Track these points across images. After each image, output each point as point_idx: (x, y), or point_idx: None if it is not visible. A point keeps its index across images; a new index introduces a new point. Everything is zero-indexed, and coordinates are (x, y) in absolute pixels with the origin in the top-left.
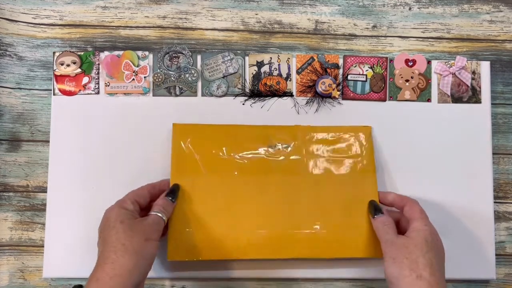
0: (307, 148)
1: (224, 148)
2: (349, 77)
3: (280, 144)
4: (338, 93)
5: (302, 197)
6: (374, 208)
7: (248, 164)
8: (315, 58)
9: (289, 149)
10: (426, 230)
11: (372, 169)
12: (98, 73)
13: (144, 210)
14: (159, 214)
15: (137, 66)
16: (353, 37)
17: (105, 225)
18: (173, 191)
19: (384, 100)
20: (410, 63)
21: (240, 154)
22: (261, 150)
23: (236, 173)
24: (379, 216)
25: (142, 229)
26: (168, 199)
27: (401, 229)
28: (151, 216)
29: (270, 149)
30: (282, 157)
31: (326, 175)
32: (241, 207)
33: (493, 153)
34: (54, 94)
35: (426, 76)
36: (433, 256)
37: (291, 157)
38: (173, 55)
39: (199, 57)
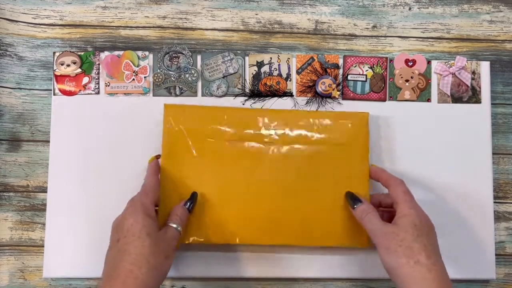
0: (300, 134)
1: (216, 132)
2: (349, 77)
3: (273, 130)
4: (338, 93)
5: (293, 184)
6: (352, 199)
7: (241, 149)
8: (315, 58)
9: (282, 134)
10: (412, 214)
11: (366, 157)
12: (98, 73)
13: None
14: (178, 228)
15: (137, 66)
16: (353, 37)
17: (129, 231)
18: (192, 201)
19: (384, 100)
20: (410, 63)
21: (232, 139)
22: (254, 135)
23: (228, 158)
24: (358, 206)
25: (164, 245)
26: (185, 209)
27: (390, 212)
28: (170, 229)
29: (263, 134)
30: (274, 143)
31: (319, 162)
32: (232, 192)
33: (493, 153)
34: (54, 94)
35: (426, 76)
36: (425, 238)
37: (284, 143)
38: (173, 55)
39: (199, 57)
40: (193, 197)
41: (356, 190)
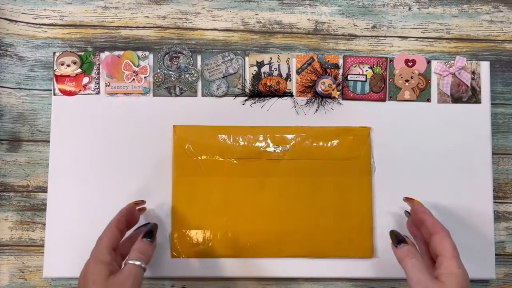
0: (305, 149)
1: (223, 150)
2: (349, 77)
3: (279, 146)
4: (338, 93)
5: (299, 198)
6: (396, 237)
7: (247, 165)
8: (315, 58)
9: (287, 151)
10: (460, 275)
11: (369, 171)
12: (98, 73)
13: (123, 249)
14: (137, 263)
15: (137, 66)
16: (353, 37)
17: (80, 283)
18: (151, 232)
19: (384, 100)
20: (410, 63)
21: (239, 157)
22: (260, 152)
23: (236, 175)
24: (402, 246)
25: (114, 287)
26: (146, 241)
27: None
28: (126, 267)
29: (268, 151)
30: (280, 159)
31: (323, 176)
32: (240, 208)
33: (493, 153)
34: (54, 94)
35: (426, 76)
36: None
37: (289, 159)
38: (173, 55)
39: (199, 57)
40: (152, 227)
41: (360, 203)
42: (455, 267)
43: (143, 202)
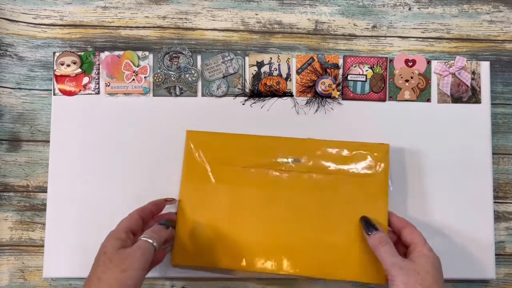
0: (317, 163)
1: (234, 159)
2: (349, 77)
3: (290, 158)
4: (338, 93)
5: (308, 214)
6: (367, 224)
7: (257, 176)
8: (315, 58)
9: (299, 163)
10: (433, 257)
11: (385, 191)
12: (98, 73)
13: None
14: (149, 240)
15: (137, 66)
16: (353, 37)
17: (96, 257)
18: (166, 221)
19: (384, 100)
20: (410, 63)
21: (250, 166)
22: (271, 163)
23: (245, 185)
24: (374, 234)
25: (122, 259)
26: (160, 225)
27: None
28: (137, 242)
29: (280, 162)
30: (291, 172)
31: (335, 193)
32: (246, 219)
33: (493, 153)
34: (54, 94)
35: (426, 76)
36: (441, 283)
37: (300, 172)
38: (173, 55)
39: (199, 57)
40: (167, 218)
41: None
42: (427, 250)
43: (173, 200)
